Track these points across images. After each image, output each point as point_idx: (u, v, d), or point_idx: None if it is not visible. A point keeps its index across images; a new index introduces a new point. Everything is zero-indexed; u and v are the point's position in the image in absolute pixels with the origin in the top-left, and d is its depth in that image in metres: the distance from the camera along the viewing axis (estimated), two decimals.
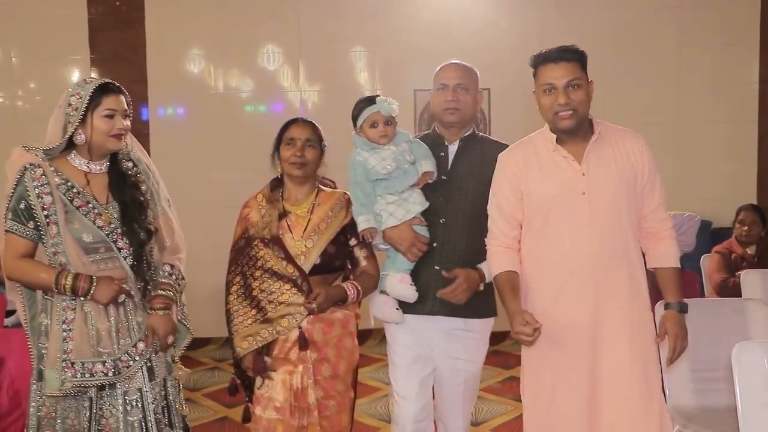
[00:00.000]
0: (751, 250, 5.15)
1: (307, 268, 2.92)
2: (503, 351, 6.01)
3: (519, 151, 2.87)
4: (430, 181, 2.99)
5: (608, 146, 2.75)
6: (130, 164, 2.81)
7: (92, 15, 6.57)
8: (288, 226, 2.98)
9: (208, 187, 6.47)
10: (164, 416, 2.78)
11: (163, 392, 2.79)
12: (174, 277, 2.83)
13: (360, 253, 3.07)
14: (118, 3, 6.60)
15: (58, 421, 2.66)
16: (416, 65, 6.40)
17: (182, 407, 2.89)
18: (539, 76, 2.74)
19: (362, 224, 2.95)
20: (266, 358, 2.88)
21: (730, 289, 4.69)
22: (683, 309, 2.78)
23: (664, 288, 2.82)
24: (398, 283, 2.96)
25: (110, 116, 2.66)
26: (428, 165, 2.97)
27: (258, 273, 2.93)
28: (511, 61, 6.40)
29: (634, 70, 6.59)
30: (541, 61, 2.73)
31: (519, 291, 2.80)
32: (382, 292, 3.03)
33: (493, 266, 2.87)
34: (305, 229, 2.97)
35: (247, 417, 2.99)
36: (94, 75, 6.46)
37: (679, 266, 2.84)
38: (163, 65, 6.62)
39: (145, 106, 6.55)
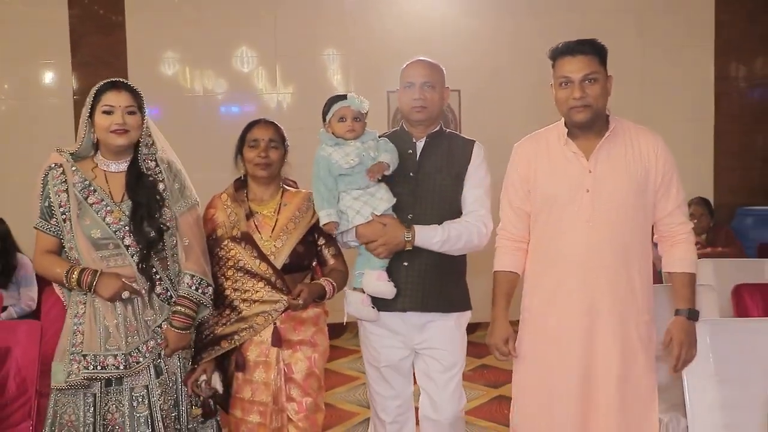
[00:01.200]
0: (702, 238, 5.51)
1: (277, 267, 2.93)
2: (475, 342, 6.28)
3: (531, 144, 2.84)
4: (386, 173, 2.97)
5: (621, 144, 2.67)
6: (152, 164, 2.83)
7: (73, 19, 6.72)
8: (255, 226, 2.98)
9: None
10: (175, 411, 2.80)
11: (174, 387, 2.80)
12: (194, 288, 2.80)
13: (327, 252, 3.10)
14: (96, 7, 6.76)
15: (57, 416, 2.70)
16: (389, 67, 6.50)
17: (195, 408, 2.87)
18: (556, 69, 2.68)
19: (324, 218, 2.94)
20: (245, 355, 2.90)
21: None
22: (693, 316, 2.68)
23: (674, 293, 2.74)
24: (375, 281, 2.96)
25: (108, 112, 2.71)
26: (385, 156, 2.96)
27: (230, 272, 2.92)
28: (483, 64, 6.75)
29: None
30: (558, 53, 2.67)
31: (510, 295, 2.83)
32: (355, 289, 3.04)
33: (495, 262, 2.89)
34: (273, 229, 2.97)
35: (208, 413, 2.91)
36: (74, 79, 6.65)
37: (694, 271, 2.73)
38: (142, 68, 6.75)
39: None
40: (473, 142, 3.08)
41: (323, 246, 3.08)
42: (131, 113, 2.74)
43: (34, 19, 6.69)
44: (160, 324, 2.76)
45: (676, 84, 6.93)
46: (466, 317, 3.11)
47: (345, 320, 3.12)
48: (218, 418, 2.95)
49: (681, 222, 2.71)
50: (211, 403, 2.88)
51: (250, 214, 2.99)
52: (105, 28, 6.76)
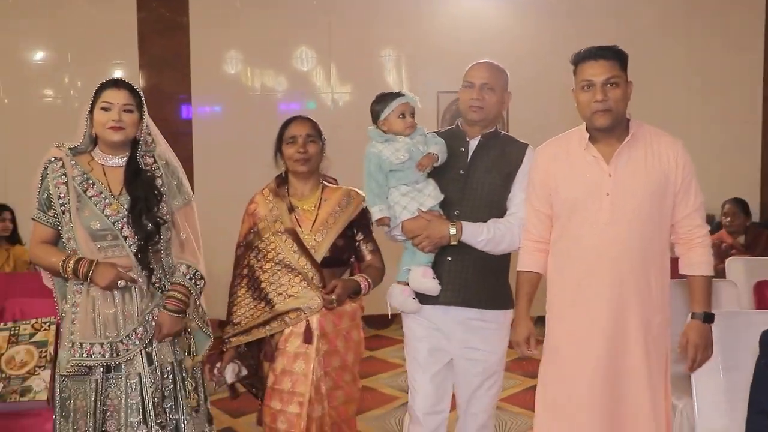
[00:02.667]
0: (741, 240, 5.59)
1: (317, 261, 2.97)
2: None
3: (552, 147, 2.87)
4: (435, 165, 2.99)
5: (642, 149, 2.69)
6: (150, 161, 2.90)
7: (141, 21, 7.09)
8: (297, 220, 3.02)
9: (244, 183, 6.86)
10: (171, 400, 2.84)
11: (170, 377, 2.84)
12: (189, 277, 2.87)
13: (365, 248, 3.13)
14: (163, 10, 7.14)
15: (71, 401, 2.76)
16: (440, 68, 6.85)
17: (191, 397, 2.91)
18: (578, 73, 2.73)
19: (377, 214, 2.98)
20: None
21: (720, 274, 5.10)
22: (708, 319, 2.71)
23: (691, 296, 2.76)
24: (421, 277, 2.97)
25: (106, 109, 2.77)
26: (435, 148, 2.99)
27: (268, 266, 2.98)
28: (527, 65, 6.90)
29: (643, 75, 6.92)
30: (581, 58, 2.71)
31: (532, 294, 2.89)
32: (399, 282, 3.05)
33: (519, 262, 2.93)
34: (314, 223, 3.01)
35: (260, 419, 3.04)
36: (141, 78, 7.02)
37: (710, 274, 2.74)
38: (204, 68, 7.11)
39: (189, 106, 7.06)
40: (527, 145, 3.08)
41: (361, 242, 3.12)
42: (128, 111, 2.80)
43: (104, 21, 7.08)
44: (151, 311, 2.80)
45: (723, 86, 7.00)
46: (508, 316, 3.07)
47: (390, 313, 3.14)
48: (209, 408, 3.01)
49: (698, 225, 2.72)
50: (230, 388, 3.03)
51: (291, 209, 3.04)
52: (170, 30, 7.12)
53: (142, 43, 7.12)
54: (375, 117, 3.05)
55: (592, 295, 2.68)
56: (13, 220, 5.75)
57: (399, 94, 3.03)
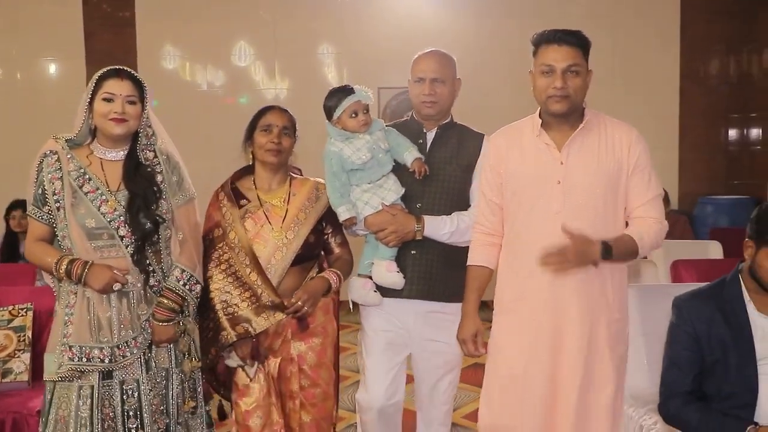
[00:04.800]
0: None
1: (288, 260, 2.87)
2: None
3: (504, 135, 2.77)
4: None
5: (595, 137, 2.58)
6: (151, 155, 2.76)
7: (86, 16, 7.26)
8: (266, 216, 2.91)
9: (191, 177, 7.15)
10: (170, 406, 2.76)
11: (166, 383, 2.75)
12: (182, 282, 2.73)
13: (333, 240, 3.05)
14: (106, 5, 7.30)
15: (52, 410, 2.62)
16: (381, 64, 7.10)
17: (188, 402, 2.82)
18: (538, 56, 2.59)
19: (343, 214, 2.91)
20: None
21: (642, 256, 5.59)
22: (606, 249, 2.46)
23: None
24: (385, 271, 2.93)
25: (108, 100, 2.63)
26: (414, 152, 2.96)
27: (220, 276, 2.86)
28: (466, 60, 7.20)
29: None
30: (543, 40, 2.58)
31: (482, 290, 2.78)
32: (360, 275, 3.02)
33: (469, 256, 2.83)
34: (284, 220, 2.90)
35: (223, 414, 3.00)
36: (87, 74, 7.07)
37: (640, 247, 2.54)
38: (150, 63, 7.31)
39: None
40: (483, 135, 3.03)
41: (330, 234, 3.04)
42: (132, 103, 2.66)
43: (49, 16, 7.23)
44: (149, 317, 2.70)
45: (644, 81, 7.44)
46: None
47: (351, 306, 3.10)
48: (209, 409, 2.97)
49: (653, 216, 2.60)
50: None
51: (259, 204, 2.94)
52: (116, 25, 7.31)
53: (88, 39, 7.26)
54: (328, 114, 2.99)
55: (537, 287, 2.57)
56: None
57: (350, 91, 2.94)
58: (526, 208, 2.62)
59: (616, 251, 2.47)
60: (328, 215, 3.00)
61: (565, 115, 2.58)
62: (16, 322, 3.60)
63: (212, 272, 2.86)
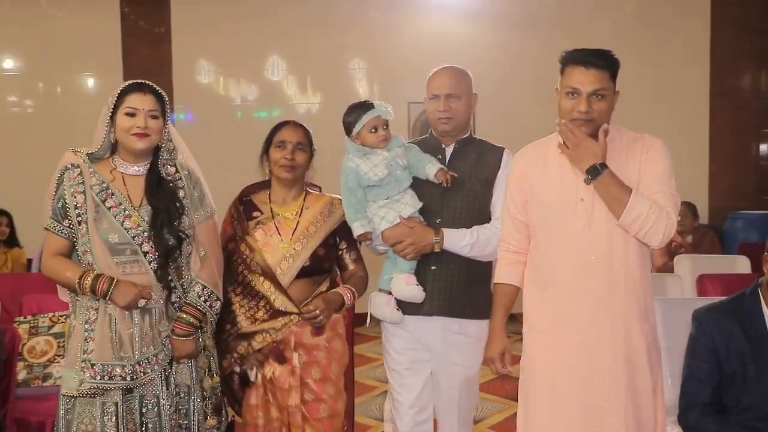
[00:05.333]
0: (689, 239, 6.10)
1: (294, 270, 2.86)
2: None
3: (529, 153, 2.72)
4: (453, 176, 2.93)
5: (618, 152, 2.51)
6: (172, 170, 2.74)
7: (125, 32, 7.47)
8: (276, 228, 2.91)
9: (217, 187, 7.24)
10: (191, 422, 2.73)
11: (187, 398, 2.72)
12: (203, 299, 2.71)
13: (348, 257, 3.03)
14: (143, 22, 7.50)
15: (74, 424, 2.58)
16: (410, 79, 7.19)
17: (209, 418, 2.78)
18: (565, 76, 2.50)
19: (358, 230, 2.89)
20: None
21: (669, 270, 5.59)
22: (592, 171, 2.40)
23: None
24: (404, 285, 2.90)
25: (131, 114, 2.60)
26: (436, 163, 2.94)
27: (238, 289, 2.87)
28: (493, 73, 7.33)
29: None
30: (571, 61, 2.49)
31: (508, 308, 2.74)
32: (381, 290, 2.98)
33: (495, 275, 2.80)
34: (294, 232, 2.90)
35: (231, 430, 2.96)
36: None
37: (632, 201, 2.39)
38: (184, 77, 7.55)
39: (171, 114, 7.38)
40: (503, 149, 3.02)
41: (344, 250, 3.03)
42: (154, 117, 2.63)
43: (88, 33, 7.48)
44: (169, 334, 2.67)
45: (674, 97, 7.47)
46: (486, 327, 2.91)
47: (368, 322, 3.03)
48: (227, 419, 2.94)
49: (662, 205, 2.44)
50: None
51: (270, 216, 2.94)
52: (152, 41, 7.52)
53: (125, 54, 7.46)
54: (347, 129, 2.97)
55: (565, 304, 2.52)
56: (10, 224, 6.07)
57: (369, 107, 2.91)
58: (550, 225, 2.57)
59: (614, 186, 2.40)
60: (343, 230, 2.98)
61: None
62: (56, 329, 3.73)
63: (232, 286, 2.87)
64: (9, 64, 7.73)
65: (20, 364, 3.62)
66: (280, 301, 2.81)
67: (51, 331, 3.73)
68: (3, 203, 6.18)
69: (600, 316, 2.48)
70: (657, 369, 2.57)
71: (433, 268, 2.95)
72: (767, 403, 2.48)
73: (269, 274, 2.83)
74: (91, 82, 7.71)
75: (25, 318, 3.79)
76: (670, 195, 2.48)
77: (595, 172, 2.40)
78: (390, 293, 2.95)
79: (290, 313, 2.81)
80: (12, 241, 6.08)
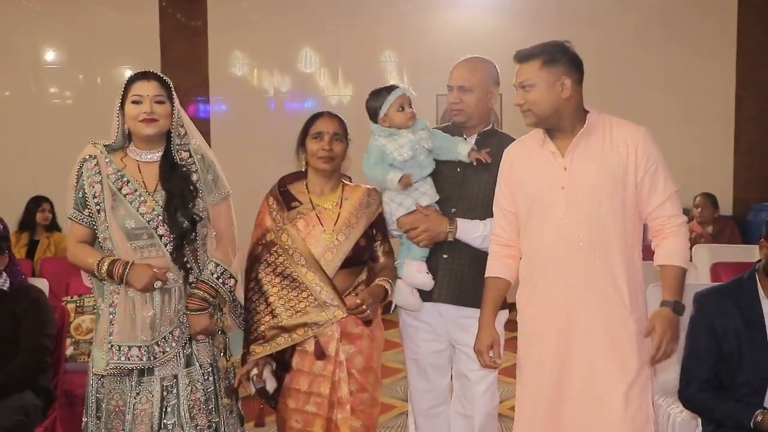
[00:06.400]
0: (709, 230, 6.22)
1: (338, 261, 2.86)
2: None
3: (517, 146, 2.80)
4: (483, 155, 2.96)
5: (599, 140, 2.57)
6: (186, 155, 2.80)
7: (163, 26, 7.70)
8: (318, 218, 2.91)
9: (259, 179, 7.32)
10: (212, 402, 2.77)
11: (211, 378, 2.78)
12: (216, 276, 2.76)
13: (381, 249, 3.02)
14: (180, 15, 7.73)
15: (104, 401, 2.69)
16: (438, 72, 7.33)
17: (222, 399, 2.81)
18: None
19: (395, 177, 2.89)
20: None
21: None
22: (677, 309, 2.48)
23: (662, 285, 2.55)
24: (415, 272, 2.95)
25: (137, 102, 2.68)
26: (466, 144, 2.97)
27: (277, 279, 2.85)
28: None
29: (624, 78, 7.39)
30: (515, 60, 2.66)
31: (498, 302, 2.78)
32: (399, 278, 3.02)
33: (487, 268, 2.82)
34: (336, 222, 2.90)
35: (261, 422, 2.94)
36: None
37: (684, 265, 2.54)
38: (220, 70, 7.74)
39: (207, 106, 7.67)
40: None
41: (379, 242, 3.02)
42: (160, 102, 2.71)
43: (127, 26, 7.70)
44: (185, 312, 2.74)
45: (699, 89, 7.53)
46: (502, 316, 2.95)
47: (392, 308, 3.09)
48: (239, 407, 2.94)
49: (671, 215, 2.55)
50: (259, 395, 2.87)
51: (311, 206, 2.94)
52: (189, 35, 7.72)
53: (163, 48, 7.69)
54: (373, 114, 3.01)
55: (547, 292, 2.60)
56: (52, 211, 6.39)
57: (393, 87, 2.99)
58: (535, 215, 2.65)
59: (680, 293, 2.52)
60: (378, 222, 3.01)
61: (546, 126, 2.62)
62: None
63: (268, 277, 2.86)
64: (50, 56, 7.98)
65: (68, 341, 3.85)
66: (326, 294, 2.81)
67: (95, 311, 3.95)
68: (46, 191, 6.48)
69: (579, 305, 2.54)
70: (644, 360, 2.54)
71: (444, 256, 2.99)
72: (760, 380, 2.65)
73: (314, 265, 2.83)
74: (130, 74, 7.93)
75: (71, 298, 4.05)
76: (674, 197, 2.56)
77: (680, 309, 2.50)
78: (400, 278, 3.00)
79: (335, 307, 2.81)
80: (54, 226, 6.40)
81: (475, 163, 2.94)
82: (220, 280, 2.77)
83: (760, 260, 2.78)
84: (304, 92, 7.97)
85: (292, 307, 2.81)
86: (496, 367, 2.81)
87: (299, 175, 3.03)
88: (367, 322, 2.87)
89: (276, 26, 7.79)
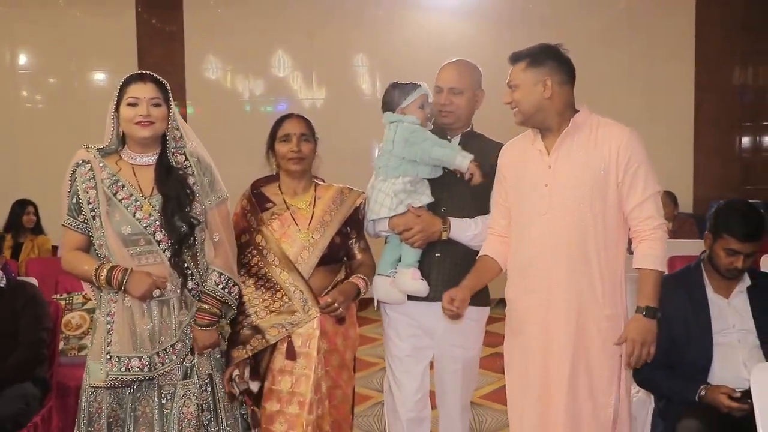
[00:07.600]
0: (670, 226, 6.50)
1: (314, 259, 2.88)
2: (490, 331, 6.06)
3: (513, 144, 2.90)
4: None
5: (584, 139, 2.65)
6: (181, 158, 2.74)
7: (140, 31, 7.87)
8: (293, 218, 2.93)
9: (227, 179, 7.41)
10: (210, 413, 2.73)
11: (209, 389, 2.74)
12: (221, 286, 2.72)
13: (357, 246, 3.05)
14: (155, 20, 7.90)
15: (104, 413, 2.64)
16: (413, 75, 7.47)
17: (228, 406, 2.80)
18: None
19: (465, 159, 2.92)
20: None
21: None
22: (651, 314, 2.59)
23: (638, 290, 2.65)
24: (410, 280, 2.96)
25: (133, 104, 2.61)
26: (465, 159, 2.95)
27: (251, 281, 2.88)
28: (488, 71, 7.60)
29: (589, 79, 7.63)
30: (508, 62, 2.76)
31: (482, 273, 2.88)
32: (379, 275, 3.05)
33: (480, 252, 2.94)
34: (311, 222, 2.93)
35: (256, 422, 2.90)
36: None
37: (659, 269, 2.64)
38: (196, 75, 7.94)
39: (184, 109, 7.83)
40: (502, 145, 3.02)
41: (354, 240, 3.05)
42: (156, 105, 2.64)
43: (104, 32, 7.86)
44: (189, 323, 2.69)
45: (661, 91, 7.79)
46: (485, 313, 3.12)
47: (375, 305, 3.13)
48: (243, 413, 2.91)
49: (648, 216, 2.62)
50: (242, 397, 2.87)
51: (285, 207, 2.96)
52: (166, 40, 7.91)
53: (140, 53, 7.86)
54: (390, 104, 3.03)
55: (530, 287, 2.71)
56: (36, 213, 6.53)
57: (418, 85, 3.02)
58: (522, 212, 2.75)
59: (653, 297, 2.62)
60: (352, 220, 3.02)
61: (531, 124, 2.73)
62: (89, 305, 4.12)
63: (243, 278, 2.86)
64: (27, 61, 8.12)
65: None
66: (300, 294, 2.84)
67: (84, 307, 4.13)
68: (28, 194, 6.63)
69: (558, 298, 2.64)
70: (617, 359, 2.65)
71: (437, 255, 3.03)
72: (705, 358, 2.92)
73: (288, 266, 2.86)
74: (106, 79, 8.10)
75: (61, 295, 4.19)
76: (654, 197, 2.64)
77: (653, 313, 2.60)
78: (389, 277, 3.03)
79: (308, 306, 2.83)
80: (38, 229, 6.55)
81: (467, 178, 2.96)
82: (226, 290, 2.74)
83: (704, 251, 3.03)
84: (278, 96, 8.16)
85: (266, 307, 2.84)
86: (454, 314, 2.79)
87: (272, 178, 3.07)
88: (340, 320, 2.90)
89: (250, 31, 7.97)
